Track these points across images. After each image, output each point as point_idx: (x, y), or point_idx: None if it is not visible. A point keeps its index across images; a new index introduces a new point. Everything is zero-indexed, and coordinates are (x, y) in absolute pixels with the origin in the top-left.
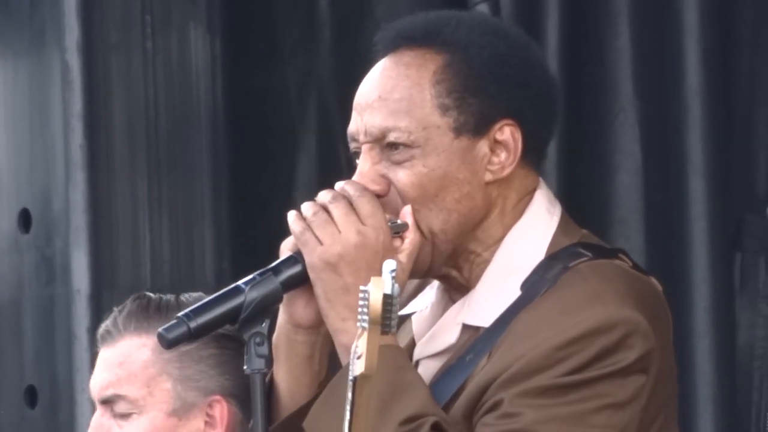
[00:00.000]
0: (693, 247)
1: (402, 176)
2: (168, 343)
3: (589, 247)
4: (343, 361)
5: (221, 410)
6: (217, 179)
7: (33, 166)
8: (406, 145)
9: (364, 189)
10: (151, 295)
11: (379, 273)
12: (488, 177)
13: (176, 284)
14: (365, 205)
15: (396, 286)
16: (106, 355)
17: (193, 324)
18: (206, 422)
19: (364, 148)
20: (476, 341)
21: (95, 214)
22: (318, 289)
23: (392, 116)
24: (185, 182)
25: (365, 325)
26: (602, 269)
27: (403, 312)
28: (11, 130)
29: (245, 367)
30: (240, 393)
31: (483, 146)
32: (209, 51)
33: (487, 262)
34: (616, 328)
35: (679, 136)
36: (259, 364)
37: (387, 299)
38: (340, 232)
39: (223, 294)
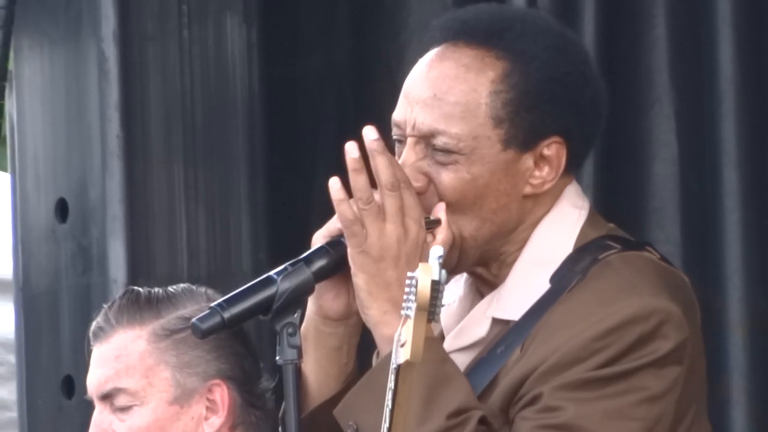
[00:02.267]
0: (727, 237)
1: (445, 178)
2: (202, 333)
3: (617, 240)
4: (384, 353)
5: (222, 394)
6: (253, 168)
7: (70, 156)
8: (453, 152)
9: (408, 182)
10: (140, 288)
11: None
12: (527, 190)
13: (212, 274)
14: (410, 198)
15: (443, 272)
16: (100, 351)
17: (226, 314)
18: (207, 407)
19: (410, 141)
20: (507, 334)
21: (132, 203)
22: (360, 282)
23: (444, 119)
24: (222, 171)
25: (410, 313)
26: (633, 260)
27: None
28: (48, 120)
29: (277, 358)
30: (238, 376)
31: (528, 160)
32: (245, 40)
33: (516, 257)
34: (651, 317)
35: (714, 126)
36: (292, 354)
37: (435, 285)
38: (386, 226)
39: (255, 284)
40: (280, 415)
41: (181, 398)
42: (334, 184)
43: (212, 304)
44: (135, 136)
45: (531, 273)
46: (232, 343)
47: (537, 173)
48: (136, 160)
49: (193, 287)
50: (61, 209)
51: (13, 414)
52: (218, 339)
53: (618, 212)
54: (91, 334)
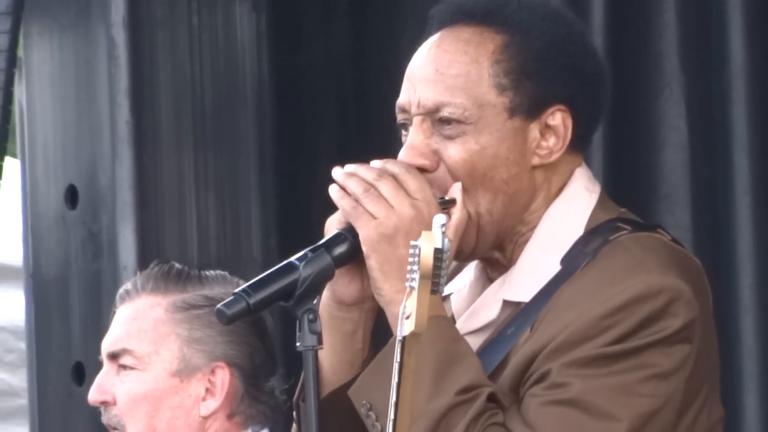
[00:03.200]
0: (738, 222)
1: (453, 153)
2: (227, 318)
3: (628, 222)
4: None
5: (223, 377)
6: (263, 155)
7: (79, 143)
8: (459, 121)
9: (408, 166)
10: (175, 263)
11: None
12: (535, 161)
13: (222, 260)
14: (412, 181)
15: (446, 240)
16: (122, 312)
17: (252, 300)
18: (207, 389)
19: (416, 120)
20: (517, 316)
21: (142, 190)
22: (372, 262)
23: (448, 91)
24: (231, 158)
25: (414, 284)
26: (643, 241)
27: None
28: (58, 106)
29: (298, 344)
30: (245, 366)
31: (534, 130)
32: (255, 27)
33: (527, 239)
34: (660, 294)
35: (724, 111)
36: (312, 341)
37: (438, 253)
38: (392, 206)
39: (277, 270)
40: (294, 399)
41: (183, 372)
42: (332, 188)
43: (236, 290)
44: (145, 123)
45: (542, 255)
46: (247, 333)
47: (544, 143)
48: (145, 147)
49: (228, 275)
50: (71, 196)
51: (24, 401)
52: (235, 325)
53: (628, 198)
54: (117, 297)
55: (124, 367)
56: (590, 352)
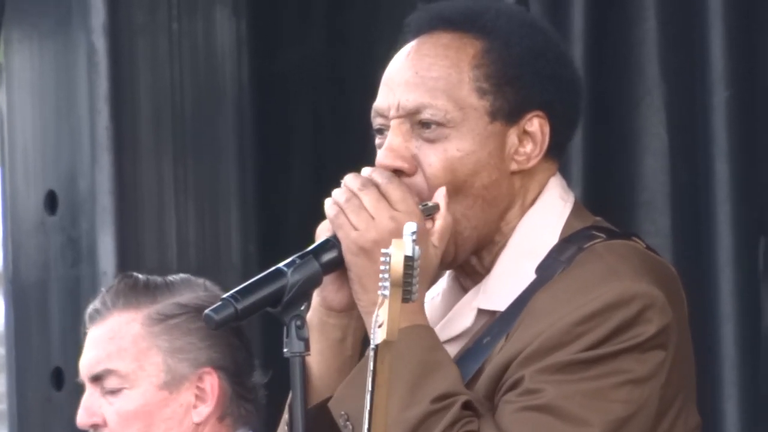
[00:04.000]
0: (718, 230)
1: (433, 160)
2: (216, 324)
3: (603, 230)
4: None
5: (212, 382)
6: (242, 161)
7: (59, 148)
8: (441, 124)
9: (392, 175)
10: (138, 274)
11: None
12: (513, 167)
13: (202, 266)
14: (395, 191)
15: (417, 248)
16: (95, 333)
17: (240, 306)
18: (196, 396)
19: (395, 123)
20: (493, 324)
21: (121, 195)
22: (352, 273)
23: (429, 93)
24: (211, 164)
25: (386, 292)
26: (617, 248)
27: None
28: (38, 112)
29: (285, 350)
30: (230, 367)
31: (512, 135)
32: (235, 33)
33: (502, 248)
34: (633, 301)
35: (704, 118)
36: (300, 347)
37: (408, 261)
38: (373, 218)
39: (265, 276)
40: (288, 402)
41: (171, 384)
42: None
43: (225, 296)
44: (124, 129)
45: (517, 263)
46: (227, 333)
47: (521, 149)
48: (125, 153)
49: (192, 277)
50: (51, 201)
51: (3, 406)
52: None
53: (609, 205)
54: (87, 317)
55: (111, 391)
56: (563, 358)
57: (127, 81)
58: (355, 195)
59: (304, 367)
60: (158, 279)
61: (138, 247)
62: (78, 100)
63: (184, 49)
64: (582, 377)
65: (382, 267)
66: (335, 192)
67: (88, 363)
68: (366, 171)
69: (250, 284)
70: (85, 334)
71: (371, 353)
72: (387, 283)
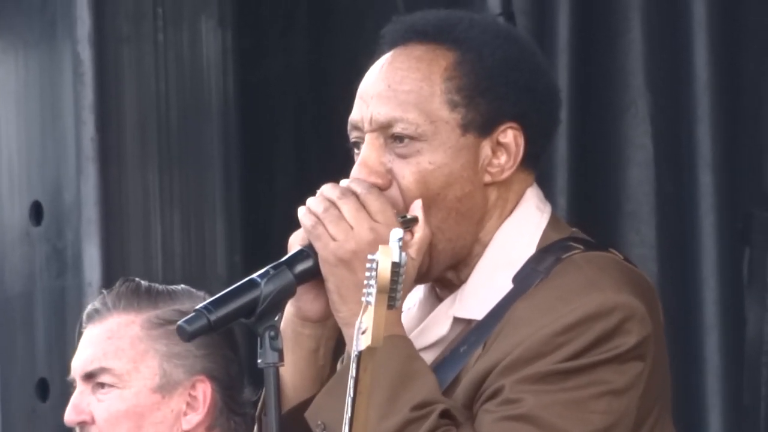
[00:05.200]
0: (702, 240)
1: (407, 173)
2: (189, 335)
3: (580, 241)
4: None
5: (204, 391)
6: (228, 172)
7: (44, 159)
8: (413, 138)
9: (371, 186)
10: (141, 280)
11: None
12: (487, 179)
13: (188, 277)
14: (374, 202)
15: (404, 254)
16: (92, 332)
17: (213, 317)
18: (188, 404)
19: (369, 137)
20: (470, 333)
21: (106, 206)
22: (330, 284)
23: (400, 107)
24: (196, 175)
25: (371, 299)
26: (596, 259)
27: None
28: (23, 122)
29: (259, 361)
30: (223, 379)
31: (486, 147)
32: (220, 44)
33: (479, 258)
34: (613, 312)
35: (689, 129)
36: (274, 357)
37: (395, 267)
38: (352, 228)
39: (239, 287)
40: (257, 413)
41: (165, 388)
42: (301, 207)
43: (197, 307)
44: (110, 139)
45: (493, 273)
46: (223, 345)
47: (495, 161)
48: (110, 163)
49: (192, 289)
50: (36, 212)
51: None
52: (210, 338)
53: (593, 215)
54: (84, 316)
55: (102, 385)
56: (543, 368)
57: (113, 91)
58: (333, 204)
59: (278, 377)
60: (160, 286)
61: (123, 258)
62: (63, 111)
63: (170, 60)
64: (562, 387)
65: (367, 273)
66: (311, 201)
67: (82, 360)
68: (344, 182)
69: (223, 295)
70: (80, 333)
71: (353, 360)
72: (372, 290)
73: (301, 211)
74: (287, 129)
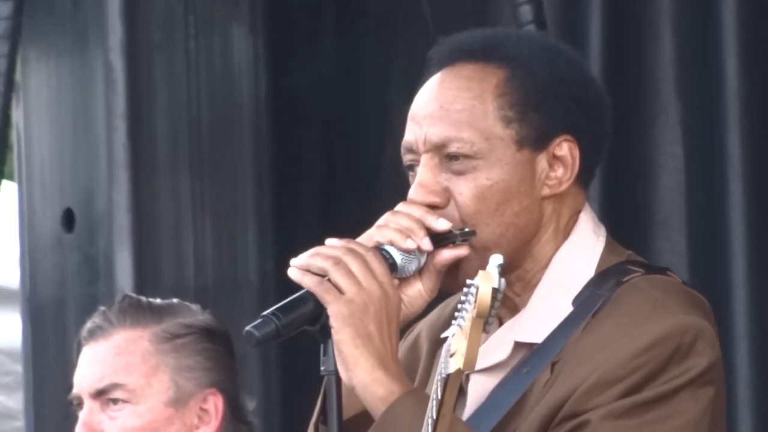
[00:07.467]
0: (733, 248)
1: (464, 189)
2: (256, 340)
3: (638, 264)
4: (376, 415)
5: (216, 403)
6: (260, 178)
7: (76, 166)
8: (468, 156)
9: (371, 249)
10: (137, 296)
11: (396, 328)
12: (545, 192)
13: (219, 284)
14: (378, 265)
15: (503, 280)
16: (96, 349)
17: (281, 323)
18: (199, 417)
19: (425, 158)
20: (531, 356)
21: (138, 213)
22: (345, 336)
23: (454, 126)
24: (228, 181)
25: (462, 323)
26: (658, 283)
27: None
28: (55, 130)
29: (322, 368)
30: (230, 389)
31: (542, 161)
32: (252, 51)
33: (538, 280)
34: (686, 333)
35: (720, 137)
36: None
37: (495, 293)
38: (361, 283)
39: (302, 295)
40: (313, 421)
41: (178, 401)
42: (291, 271)
43: (265, 313)
44: (141, 146)
45: (553, 297)
46: (226, 356)
47: (552, 174)
48: (142, 170)
49: (185, 302)
50: (68, 219)
51: (21, 423)
52: (215, 350)
53: (624, 223)
54: (85, 333)
55: (113, 401)
56: (624, 402)
57: (145, 99)
58: (340, 260)
59: (340, 384)
60: (158, 300)
61: (155, 265)
62: (95, 118)
63: (201, 67)
64: (642, 421)
65: (463, 297)
66: (311, 259)
67: (90, 377)
68: (335, 242)
69: (290, 302)
70: (78, 350)
71: (440, 383)
72: (465, 314)
73: (293, 272)
74: (317, 135)
